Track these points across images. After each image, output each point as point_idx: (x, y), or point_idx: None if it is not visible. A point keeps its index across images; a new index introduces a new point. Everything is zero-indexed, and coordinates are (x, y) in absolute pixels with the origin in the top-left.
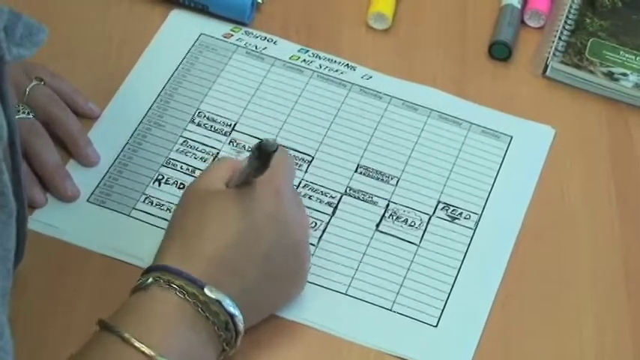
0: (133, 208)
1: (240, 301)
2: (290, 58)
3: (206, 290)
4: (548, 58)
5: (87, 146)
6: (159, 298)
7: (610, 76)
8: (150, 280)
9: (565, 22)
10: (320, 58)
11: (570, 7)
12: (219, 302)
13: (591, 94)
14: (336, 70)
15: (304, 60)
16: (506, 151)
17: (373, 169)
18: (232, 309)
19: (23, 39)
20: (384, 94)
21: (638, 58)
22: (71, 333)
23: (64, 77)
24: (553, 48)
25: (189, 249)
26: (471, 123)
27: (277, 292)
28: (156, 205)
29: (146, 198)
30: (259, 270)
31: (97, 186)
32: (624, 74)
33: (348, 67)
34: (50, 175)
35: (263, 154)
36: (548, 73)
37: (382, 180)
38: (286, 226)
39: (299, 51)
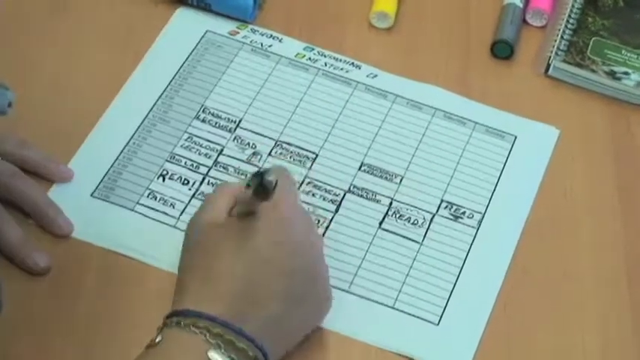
0: (137, 203)
1: (266, 334)
2: (295, 56)
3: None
4: (550, 57)
5: (57, 217)
6: (184, 343)
7: (612, 75)
8: (173, 324)
9: (567, 21)
10: (325, 56)
11: (572, 6)
12: (244, 337)
13: (593, 92)
14: (342, 69)
15: (310, 58)
16: (510, 150)
17: (377, 167)
18: (259, 340)
19: None
20: (389, 92)
21: (639, 57)
22: (74, 329)
23: (32, 144)
24: (555, 47)
25: (205, 289)
26: (476, 122)
27: (302, 317)
28: (160, 200)
29: (150, 193)
30: (280, 299)
31: (101, 181)
32: (626, 73)
33: (353, 65)
34: (42, 213)
35: (263, 190)
36: (550, 72)
37: (386, 178)
38: (298, 251)
39: (304, 49)
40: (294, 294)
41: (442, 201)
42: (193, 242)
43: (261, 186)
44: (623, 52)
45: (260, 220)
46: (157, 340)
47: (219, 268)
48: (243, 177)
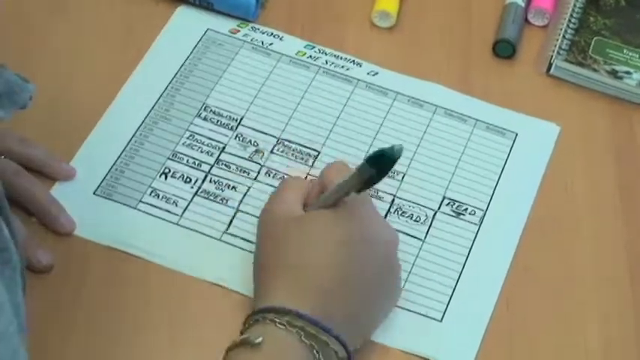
0: (140, 201)
1: (350, 327)
2: (296, 54)
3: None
4: (552, 56)
5: (60, 215)
6: (285, 345)
7: (614, 74)
8: (267, 321)
9: (569, 20)
10: (326, 54)
11: (574, 5)
12: (334, 336)
13: (595, 92)
14: (342, 67)
15: (310, 56)
16: (512, 147)
17: None
18: (350, 346)
19: (1, 98)
20: (390, 90)
21: None
22: (76, 327)
23: (34, 142)
24: (557, 46)
25: (295, 285)
26: (477, 120)
27: (381, 306)
28: (162, 198)
29: (152, 191)
30: (365, 292)
31: (104, 179)
32: (628, 72)
33: (354, 63)
34: (45, 210)
35: (387, 162)
36: (552, 71)
37: (388, 175)
38: (380, 244)
39: (305, 47)
40: (378, 286)
41: (444, 198)
42: (272, 236)
43: (381, 159)
44: (624, 51)
45: (346, 213)
46: (258, 340)
47: (307, 262)
48: (245, 175)
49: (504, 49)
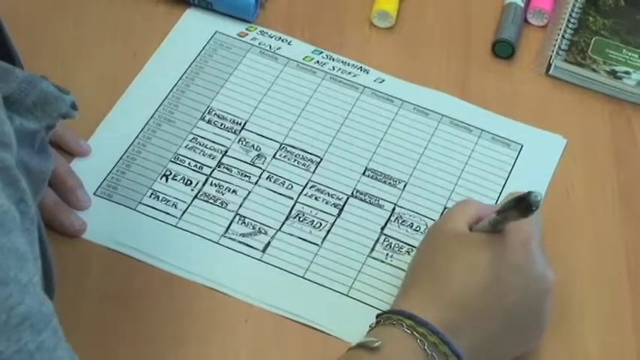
0: (139, 203)
1: (476, 351)
2: (303, 59)
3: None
4: (551, 56)
5: (77, 189)
6: (399, 343)
7: (613, 74)
8: (388, 323)
9: (568, 20)
10: (333, 60)
11: (573, 5)
12: (453, 351)
13: (594, 92)
14: (349, 73)
15: (318, 61)
16: (516, 159)
17: (381, 172)
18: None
19: (36, 107)
20: (396, 97)
21: None
22: (77, 328)
23: None
24: (556, 46)
25: (433, 293)
26: (482, 130)
27: (513, 342)
28: (162, 200)
29: (152, 193)
30: (500, 321)
31: (105, 179)
32: (627, 72)
33: (361, 69)
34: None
35: (527, 206)
36: (551, 71)
37: (389, 184)
38: (533, 279)
39: (313, 52)
40: (515, 319)
41: (445, 208)
42: (431, 246)
43: (524, 201)
44: (624, 51)
45: (504, 239)
46: (376, 345)
47: (453, 276)
48: (246, 179)
49: (503, 49)
